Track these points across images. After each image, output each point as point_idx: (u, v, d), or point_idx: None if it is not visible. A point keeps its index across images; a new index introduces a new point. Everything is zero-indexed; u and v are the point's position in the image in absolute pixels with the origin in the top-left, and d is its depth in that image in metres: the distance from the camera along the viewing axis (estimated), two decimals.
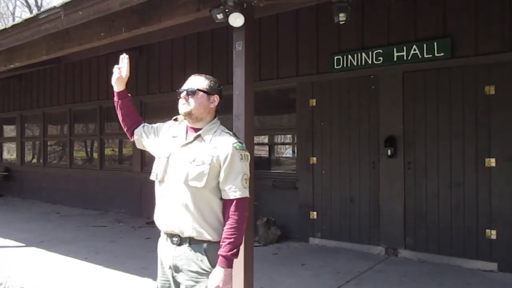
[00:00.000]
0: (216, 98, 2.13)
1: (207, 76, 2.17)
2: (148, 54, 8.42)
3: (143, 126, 2.31)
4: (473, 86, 5.00)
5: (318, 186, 6.15)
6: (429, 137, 5.28)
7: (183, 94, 2.09)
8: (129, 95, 2.34)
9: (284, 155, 7.59)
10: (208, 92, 2.11)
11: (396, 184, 5.49)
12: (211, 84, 2.13)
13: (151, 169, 2.19)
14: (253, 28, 3.75)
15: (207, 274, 1.99)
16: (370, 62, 5.66)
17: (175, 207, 2.03)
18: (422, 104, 5.34)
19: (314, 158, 6.20)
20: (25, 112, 11.60)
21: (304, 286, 4.41)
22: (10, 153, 13.14)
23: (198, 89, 2.08)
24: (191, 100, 2.07)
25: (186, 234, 2.01)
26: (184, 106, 2.08)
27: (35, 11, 22.10)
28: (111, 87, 2.31)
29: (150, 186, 2.26)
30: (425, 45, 5.24)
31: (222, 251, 1.95)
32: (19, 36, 4.96)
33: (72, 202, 9.78)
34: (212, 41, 7.34)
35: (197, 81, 2.12)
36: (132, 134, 2.32)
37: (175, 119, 2.23)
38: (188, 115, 2.09)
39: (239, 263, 3.08)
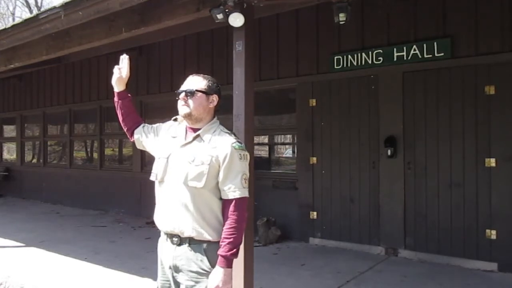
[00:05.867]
0: (215, 98, 2.13)
1: (205, 76, 2.17)
2: (148, 54, 8.42)
3: (143, 126, 2.31)
4: (473, 86, 5.00)
5: (318, 186, 6.15)
6: (429, 137, 5.28)
7: (182, 95, 2.09)
8: (129, 95, 2.35)
9: (284, 155, 7.59)
10: (207, 92, 2.10)
11: (396, 184, 5.49)
12: (210, 84, 2.13)
13: (151, 169, 2.19)
14: (253, 28, 3.74)
15: (207, 274, 1.99)
16: (370, 62, 5.66)
17: (175, 207, 2.03)
18: (422, 104, 5.34)
19: (314, 158, 6.20)
20: (25, 112, 11.59)
21: (304, 286, 4.41)
22: (10, 153, 13.14)
23: (197, 90, 2.08)
24: (190, 101, 2.07)
25: (186, 234, 2.01)
26: (183, 107, 2.08)
27: (35, 11, 22.09)
28: (111, 87, 2.32)
29: (150, 186, 2.26)
30: (425, 45, 5.24)
31: (221, 251, 1.96)
32: (19, 36, 4.96)
33: (72, 202, 9.78)
34: (212, 41, 7.34)
35: (195, 82, 2.12)
36: (132, 134, 2.32)
37: (175, 119, 2.24)
38: (188, 116, 2.09)
39: (239, 263, 3.08)
